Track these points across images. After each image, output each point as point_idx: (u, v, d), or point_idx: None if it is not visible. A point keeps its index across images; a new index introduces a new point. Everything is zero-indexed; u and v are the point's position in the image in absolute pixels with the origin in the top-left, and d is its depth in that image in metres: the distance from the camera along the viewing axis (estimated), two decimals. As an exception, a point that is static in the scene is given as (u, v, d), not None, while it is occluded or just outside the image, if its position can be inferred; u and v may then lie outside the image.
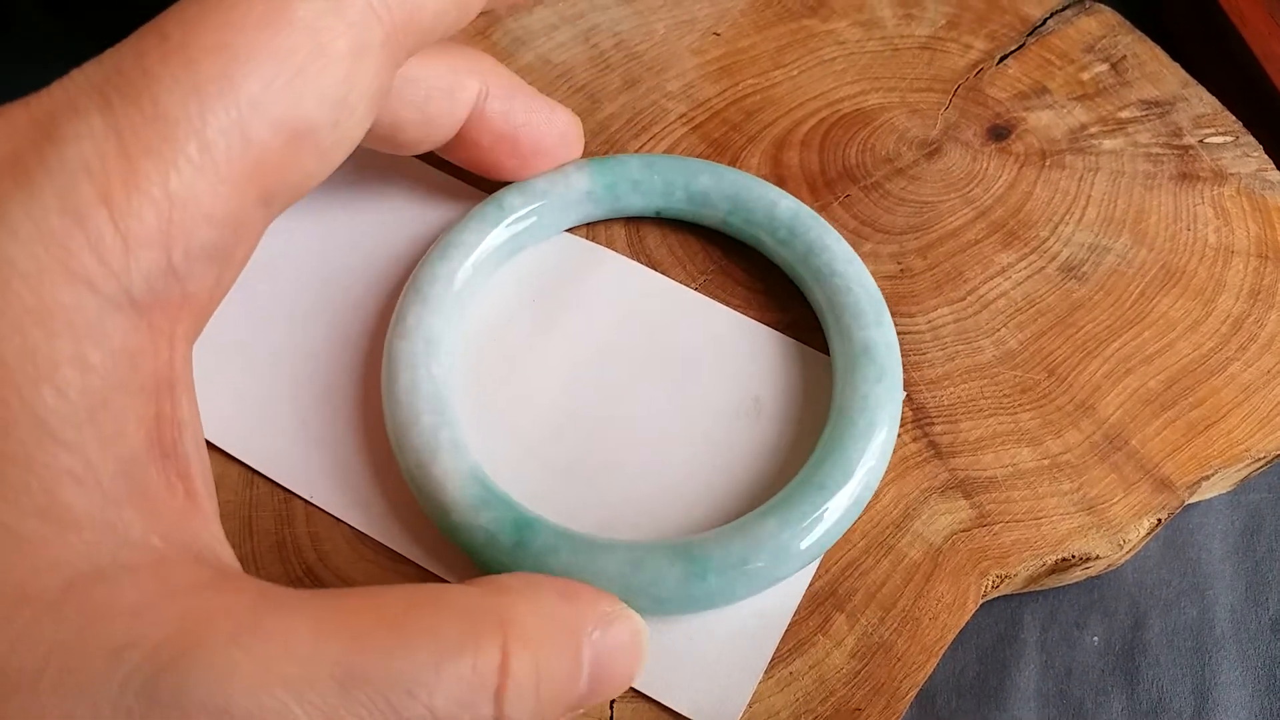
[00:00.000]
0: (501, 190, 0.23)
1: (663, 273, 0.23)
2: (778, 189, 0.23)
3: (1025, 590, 0.23)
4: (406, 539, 0.20)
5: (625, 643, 0.16)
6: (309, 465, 0.21)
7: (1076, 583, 0.24)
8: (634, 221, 0.24)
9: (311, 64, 0.14)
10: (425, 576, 0.20)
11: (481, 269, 0.22)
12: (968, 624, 0.20)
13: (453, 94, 0.20)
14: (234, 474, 0.21)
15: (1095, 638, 0.24)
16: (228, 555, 0.14)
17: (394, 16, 0.15)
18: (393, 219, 0.24)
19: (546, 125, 0.22)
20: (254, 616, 0.12)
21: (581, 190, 0.23)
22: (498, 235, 0.22)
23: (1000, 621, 0.24)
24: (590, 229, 0.24)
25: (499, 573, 0.18)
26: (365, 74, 0.15)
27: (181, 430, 0.14)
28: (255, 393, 0.21)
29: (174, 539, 0.13)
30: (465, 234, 0.22)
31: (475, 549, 0.19)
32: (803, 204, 0.23)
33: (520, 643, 0.14)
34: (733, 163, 0.25)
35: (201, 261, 0.14)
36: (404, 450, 0.20)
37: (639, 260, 0.24)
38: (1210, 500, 0.26)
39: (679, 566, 0.18)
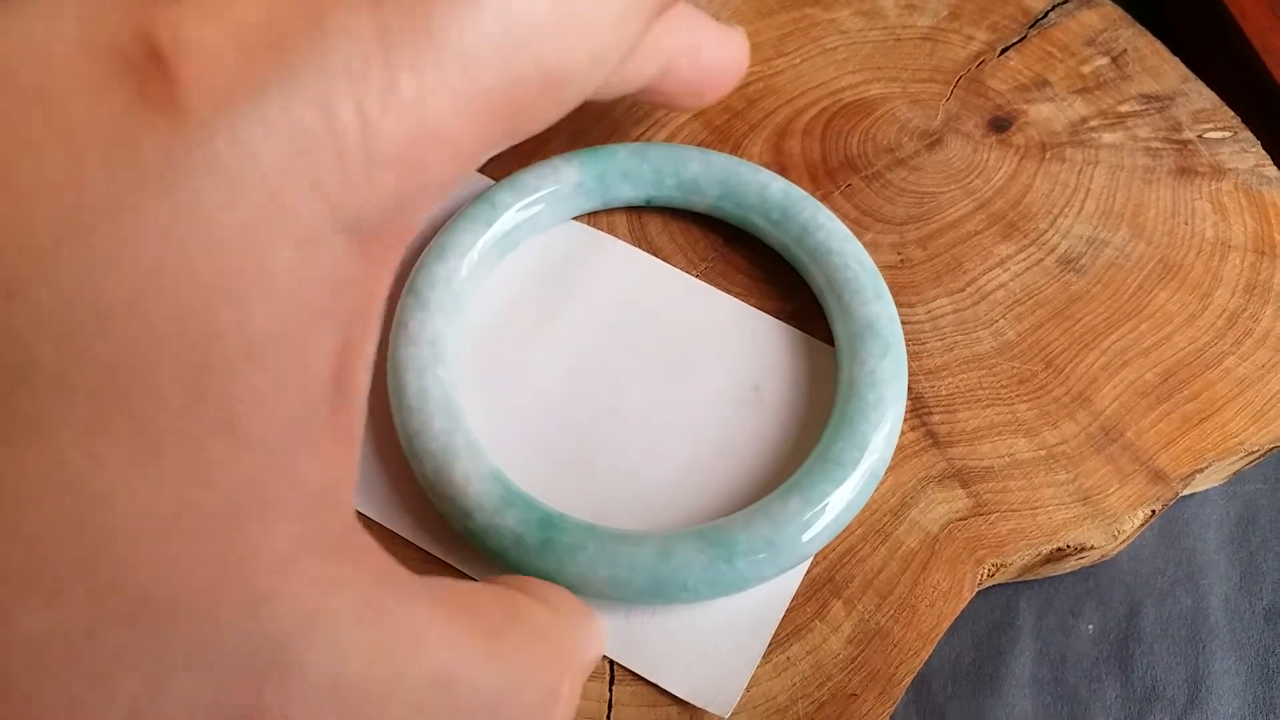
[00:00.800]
0: (492, 187, 0.23)
1: (664, 259, 0.24)
2: (769, 172, 0.23)
3: (1021, 579, 0.23)
4: (408, 521, 0.20)
5: (598, 656, 0.17)
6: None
7: (1072, 571, 0.24)
8: (635, 209, 0.24)
9: (589, 10, 0.13)
10: (427, 560, 0.20)
11: (478, 268, 0.22)
12: (964, 610, 0.20)
13: (652, 53, 0.20)
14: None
15: (1090, 625, 0.24)
16: (351, 506, 0.14)
17: None
18: None
19: (723, 60, 0.21)
20: (378, 596, 0.12)
21: (572, 183, 0.23)
22: (492, 233, 0.22)
23: (996, 608, 0.24)
24: (592, 216, 0.24)
25: (527, 572, 0.19)
26: (630, 28, 0.14)
27: (361, 364, 0.13)
28: None
29: (329, 486, 0.12)
30: (459, 234, 0.22)
31: (502, 550, 0.19)
32: (794, 185, 0.23)
33: (576, 674, 0.15)
34: (734, 150, 0.25)
35: (432, 193, 0.13)
36: (419, 457, 0.20)
37: (640, 248, 0.24)
38: (1206, 491, 0.26)
39: (706, 553, 0.19)
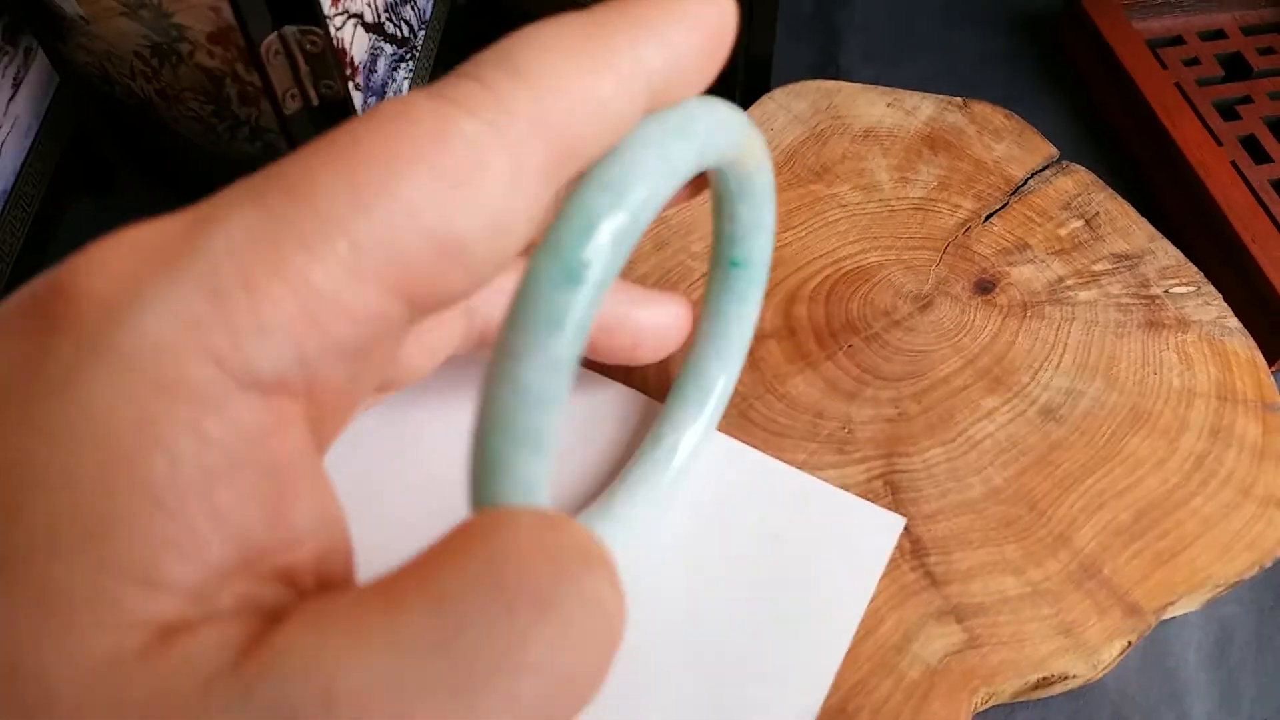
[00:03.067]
0: None
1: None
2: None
3: (1014, 700, 0.26)
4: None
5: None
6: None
7: (1063, 692, 0.27)
8: None
9: (470, 180, 0.14)
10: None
11: None
12: (964, 733, 0.23)
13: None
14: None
15: (1082, 743, 0.26)
16: None
17: (557, 144, 0.15)
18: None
19: (640, 320, 0.24)
20: (324, 602, 0.13)
21: None
22: None
23: (995, 728, 0.27)
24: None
25: None
26: (522, 196, 0.15)
27: (296, 506, 0.14)
28: None
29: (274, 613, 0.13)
30: None
31: None
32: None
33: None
34: (750, 316, 0.29)
35: (333, 355, 0.14)
36: None
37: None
38: (1185, 614, 0.28)
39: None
